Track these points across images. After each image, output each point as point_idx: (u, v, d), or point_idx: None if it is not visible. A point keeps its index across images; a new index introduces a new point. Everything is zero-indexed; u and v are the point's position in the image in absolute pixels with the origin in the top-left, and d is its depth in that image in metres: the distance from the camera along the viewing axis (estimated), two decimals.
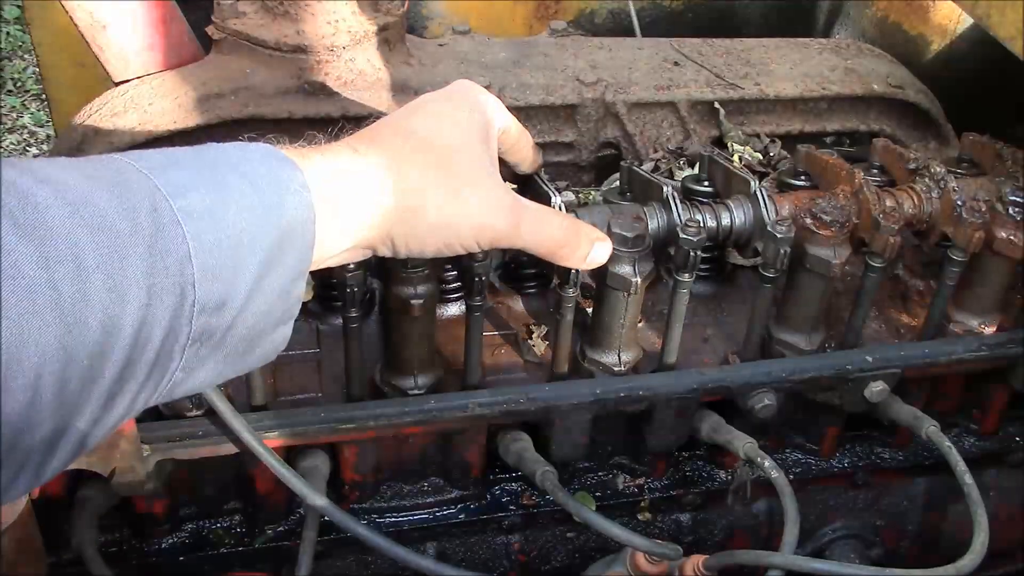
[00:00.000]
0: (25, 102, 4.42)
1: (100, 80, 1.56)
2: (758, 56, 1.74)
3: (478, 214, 0.97)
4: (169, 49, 1.51)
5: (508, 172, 1.15)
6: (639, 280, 1.12)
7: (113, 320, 0.66)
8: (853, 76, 1.71)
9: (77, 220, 0.65)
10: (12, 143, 4.20)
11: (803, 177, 1.30)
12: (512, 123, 1.09)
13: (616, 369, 1.21)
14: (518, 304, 1.35)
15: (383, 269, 1.11)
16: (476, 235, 0.98)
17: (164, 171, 0.74)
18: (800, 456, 1.41)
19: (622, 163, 1.34)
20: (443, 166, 0.96)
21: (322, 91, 1.47)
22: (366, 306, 1.22)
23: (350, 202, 0.88)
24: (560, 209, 1.13)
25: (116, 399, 0.70)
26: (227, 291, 0.74)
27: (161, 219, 0.70)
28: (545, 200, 1.14)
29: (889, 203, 1.23)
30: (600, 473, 1.34)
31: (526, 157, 1.15)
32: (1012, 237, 1.24)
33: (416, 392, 1.17)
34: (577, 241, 1.05)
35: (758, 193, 1.18)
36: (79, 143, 1.45)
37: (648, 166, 1.51)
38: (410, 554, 1.09)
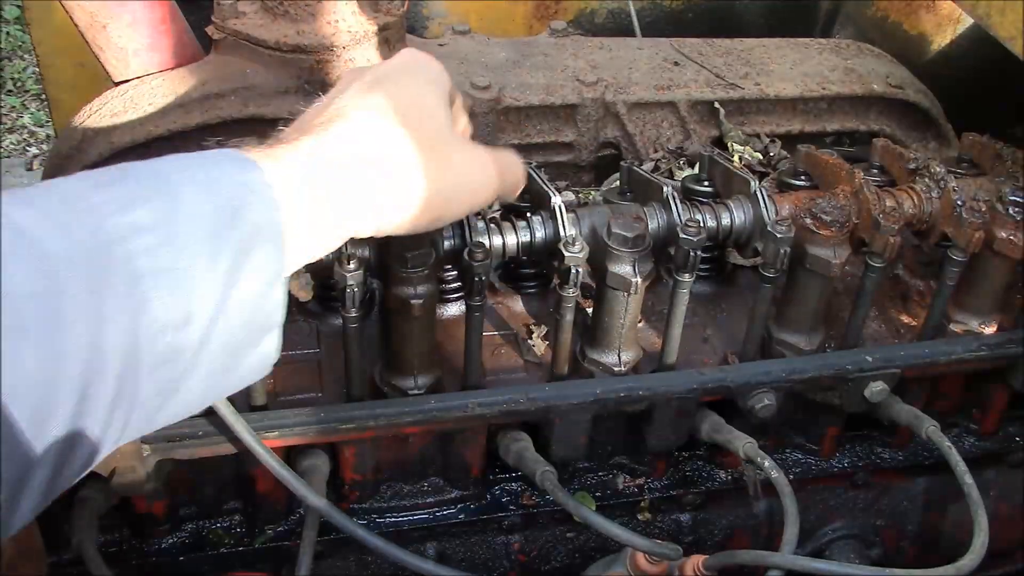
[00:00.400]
0: (25, 102, 4.42)
1: (100, 80, 1.56)
2: (758, 56, 1.74)
3: (470, 179, 0.95)
4: (169, 49, 1.51)
5: None
6: (639, 280, 1.12)
7: (54, 351, 0.62)
8: (853, 76, 1.71)
9: (8, 248, 0.61)
10: (12, 143, 4.21)
11: (803, 177, 1.30)
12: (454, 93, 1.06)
13: (616, 369, 1.21)
14: (518, 304, 1.35)
15: (383, 269, 1.11)
16: (471, 200, 0.97)
17: (107, 188, 0.70)
18: (800, 456, 1.41)
19: (622, 163, 1.34)
20: (427, 136, 0.91)
21: (322, 91, 1.47)
22: (366, 306, 1.22)
23: (328, 191, 0.83)
24: (560, 209, 1.13)
25: (78, 437, 0.66)
26: (190, 305, 0.71)
27: (103, 238, 0.67)
28: (545, 200, 1.15)
29: (889, 203, 1.23)
30: (600, 473, 1.34)
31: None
32: (1012, 237, 1.24)
33: (416, 392, 1.17)
34: (519, 173, 1.05)
35: (758, 193, 1.18)
36: (79, 143, 1.45)
37: (648, 166, 1.51)
38: (408, 555, 1.08)
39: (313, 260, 0.86)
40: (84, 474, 0.71)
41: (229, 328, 0.75)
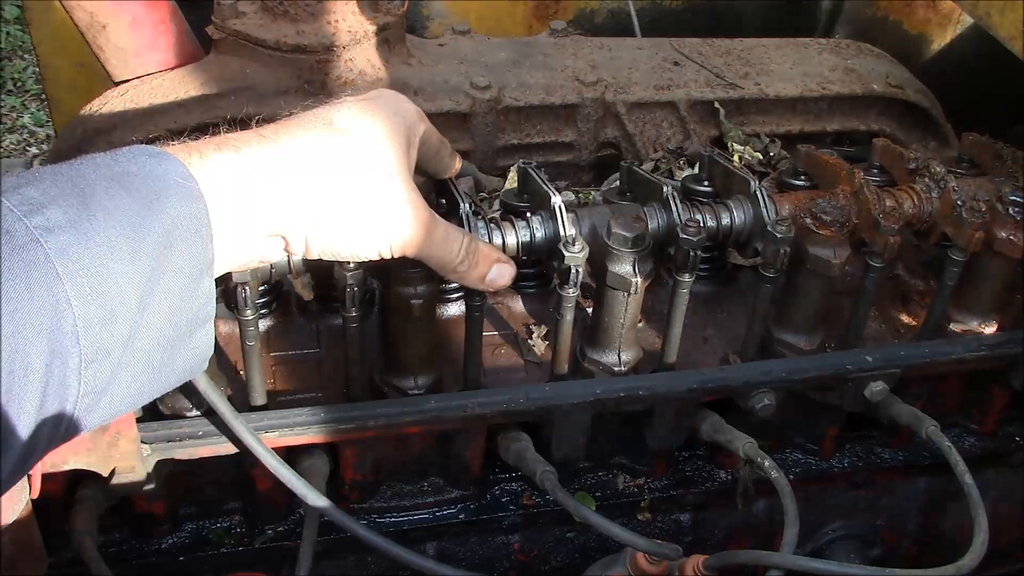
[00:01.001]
0: (25, 102, 4.42)
1: (100, 80, 1.56)
2: (758, 56, 1.74)
3: (391, 225, 0.94)
4: (169, 49, 1.51)
5: (426, 181, 1.16)
6: (639, 280, 1.12)
7: None
8: (853, 76, 1.71)
9: None
10: (12, 143, 4.21)
11: (803, 177, 1.30)
12: (432, 133, 1.08)
13: (616, 369, 1.21)
14: (518, 304, 1.35)
15: (383, 269, 1.11)
16: (386, 245, 0.96)
17: (16, 190, 0.69)
18: (800, 456, 1.41)
19: (622, 163, 1.34)
20: (358, 168, 0.91)
21: (322, 91, 1.47)
22: (366, 306, 1.22)
23: (251, 193, 0.83)
24: (560, 209, 1.13)
25: (5, 442, 0.65)
26: (113, 302, 0.70)
27: (15, 241, 0.65)
28: (545, 200, 1.15)
29: (889, 203, 1.23)
30: (600, 473, 1.34)
31: (447, 165, 1.14)
32: (1012, 237, 1.24)
33: (416, 392, 1.17)
34: (476, 261, 1.04)
35: (758, 193, 1.18)
36: (79, 143, 1.45)
37: (648, 166, 1.51)
38: (408, 553, 1.08)
39: (249, 266, 0.86)
40: (17, 481, 0.71)
41: (157, 323, 0.74)
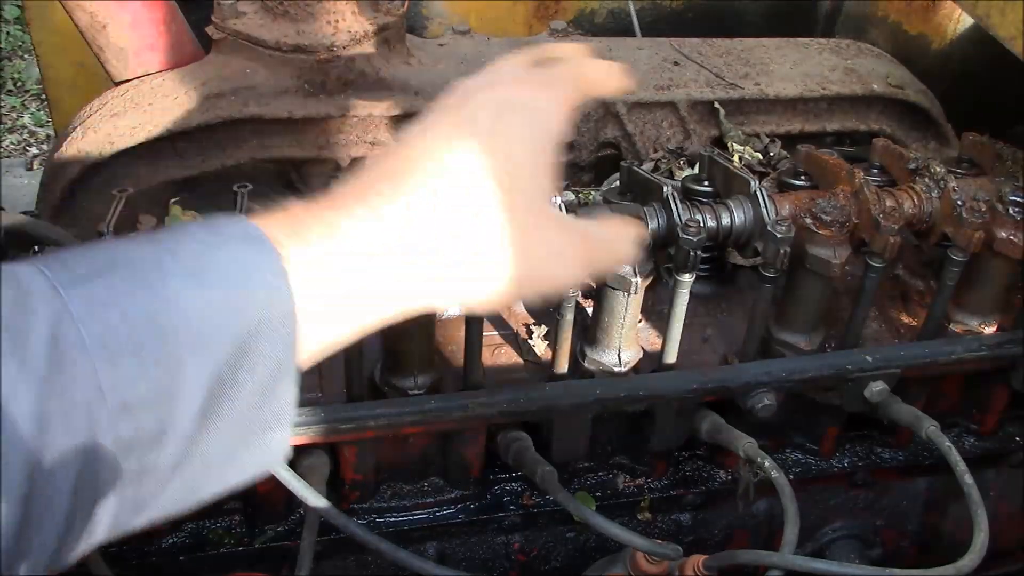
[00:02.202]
0: (25, 102, 4.42)
1: (100, 80, 1.56)
2: (758, 56, 1.74)
3: (546, 267, 0.78)
4: (169, 49, 1.51)
5: None
6: (639, 280, 1.12)
7: None
8: (853, 76, 1.71)
9: None
10: (12, 143, 4.21)
11: (803, 177, 1.29)
12: (583, 94, 0.85)
13: (616, 369, 1.21)
14: (518, 304, 1.35)
15: None
16: (544, 289, 0.79)
17: (78, 284, 0.59)
18: (800, 456, 1.41)
19: (622, 163, 1.34)
20: (517, 210, 0.73)
21: (322, 91, 1.47)
22: None
23: (358, 280, 0.69)
24: (560, 210, 1.13)
25: (19, 554, 0.56)
26: (165, 417, 0.60)
27: (62, 348, 0.56)
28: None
29: (889, 203, 1.23)
30: (600, 473, 1.34)
31: (617, 88, 0.89)
32: (1012, 237, 1.24)
33: (416, 392, 1.17)
34: (632, 245, 0.87)
35: (758, 193, 1.18)
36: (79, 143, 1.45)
37: (648, 166, 1.51)
38: (408, 555, 1.08)
39: (340, 345, 0.73)
40: None
41: (220, 435, 0.64)
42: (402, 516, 1.27)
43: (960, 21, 1.95)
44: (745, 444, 1.19)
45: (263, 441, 0.67)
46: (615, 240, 0.86)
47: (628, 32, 1.94)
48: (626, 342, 1.20)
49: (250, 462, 0.68)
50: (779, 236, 1.14)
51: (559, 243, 0.79)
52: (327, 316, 0.69)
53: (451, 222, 0.71)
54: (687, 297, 1.16)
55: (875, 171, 1.36)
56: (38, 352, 0.56)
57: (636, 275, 1.12)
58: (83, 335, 0.57)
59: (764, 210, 1.17)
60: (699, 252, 1.12)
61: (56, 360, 0.56)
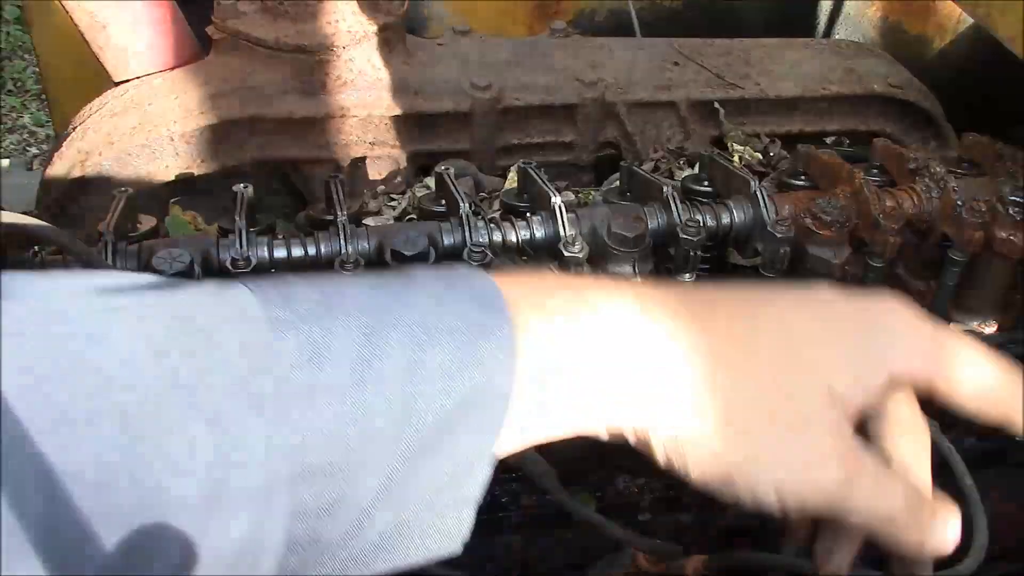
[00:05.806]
0: (25, 102, 4.42)
1: (100, 80, 1.56)
2: (758, 56, 1.74)
3: (797, 465, 0.67)
4: (169, 49, 1.51)
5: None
6: (639, 280, 1.12)
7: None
8: (853, 76, 1.71)
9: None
10: (12, 143, 4.21)
11: (803, 177, 1.29)
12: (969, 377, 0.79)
13: None
14: None
15: (382, 267, 1.11)
16: (785, 490, 0.68)
17: (313, 320, 0.54)
18: None
19: (622, 163, 1.34)
20: (768, 394, 0.68)
21: (322, 91, 1.47)
22: None
23: (597, 372, 0.67)
24: (560, 209, 1.12)
25: None
26: (343, 488, 0.54)
27: (279, 390, 0.51)
28: (545, 200, 1.14)
29: (889, 203, 1.23)
30: (600, 473, 1.34)
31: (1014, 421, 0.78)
32: (1012, 237, 1.24)
33: None
34: (920, 518, 0.74)
35: (758, 193, 1.18)
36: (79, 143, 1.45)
37: (648, 166, 1.51)
38: None
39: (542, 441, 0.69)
40: None
41: (397, 513, 0.58)
42: None
43: (960, 21, 1.95)
44: None
45: (446, 518, 0.62)
46: (890, 484, 0.72)
47: (628, 32, 1.94)
48: None
49: (428, 542, 0.62)
50: (779, 236, 1.14)
51: (824, 443, 0.69)
52: (529, 405, 0.63)
53: (718, 368, 0.68)
54: None
55: (875, 171, 1.35)
56: (261, 388, 0.51)
57: (636, 275, 1.12)
58: (291, 379, 0.52)
59: (764, 210, 1.17)
60: (699, 252, 1.12)
61: (276, 395, 0.52)
